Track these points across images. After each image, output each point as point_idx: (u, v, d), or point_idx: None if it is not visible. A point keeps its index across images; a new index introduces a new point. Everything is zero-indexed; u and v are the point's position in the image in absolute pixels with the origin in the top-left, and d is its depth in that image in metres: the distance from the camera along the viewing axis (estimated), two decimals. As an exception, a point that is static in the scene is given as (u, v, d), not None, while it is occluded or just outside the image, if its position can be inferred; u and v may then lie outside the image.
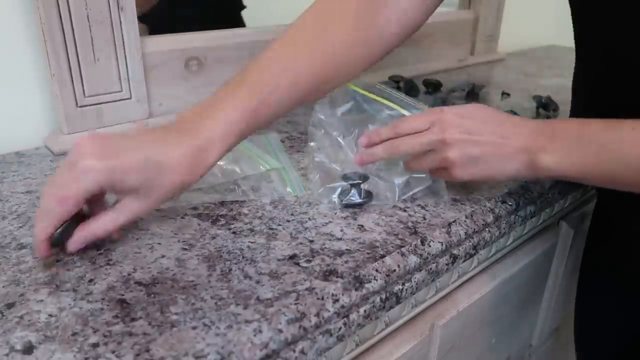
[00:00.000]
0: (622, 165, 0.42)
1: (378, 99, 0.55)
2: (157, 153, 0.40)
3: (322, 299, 0.37)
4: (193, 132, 0.42)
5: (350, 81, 0.55)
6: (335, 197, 0.51)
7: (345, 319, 0.39)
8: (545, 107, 0.80)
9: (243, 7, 0.94)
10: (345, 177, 0.51)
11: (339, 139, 0.54)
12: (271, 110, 0.46)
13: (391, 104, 0.54)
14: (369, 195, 0.51)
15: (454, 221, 0.49)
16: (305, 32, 0.51)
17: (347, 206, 0.51)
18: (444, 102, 0.84)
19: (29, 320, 0.34)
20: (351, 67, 0.52)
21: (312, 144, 0.55)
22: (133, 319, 0.35)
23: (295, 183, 0.55)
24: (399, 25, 0.54)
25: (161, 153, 0.40)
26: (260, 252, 0.42)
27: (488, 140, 0.46)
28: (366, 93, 0.55)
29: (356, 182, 0.51)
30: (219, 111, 0.43)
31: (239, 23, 0.92)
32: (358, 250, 0.43)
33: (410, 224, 0.48)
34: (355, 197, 0.50)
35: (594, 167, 0.44)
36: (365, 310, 0.40)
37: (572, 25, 0.54)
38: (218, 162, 0.47)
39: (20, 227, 0.46)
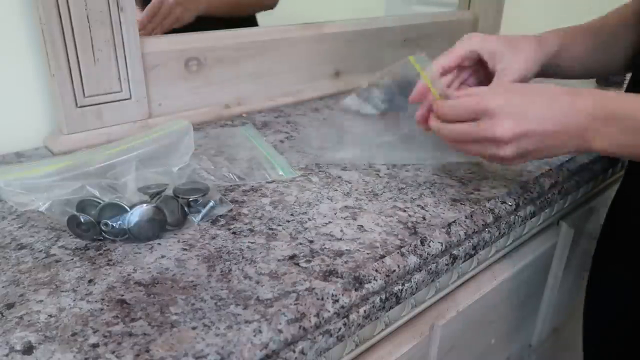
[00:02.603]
0: None
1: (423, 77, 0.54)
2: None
3: (322, 299, 0.37)
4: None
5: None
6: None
7: (345, 319, 0.39)
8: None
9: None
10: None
11: None
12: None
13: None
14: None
15: (453, 221, 0.49)
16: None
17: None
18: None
19: (28, 321, 0.34)
20: None
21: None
22: (133, 319, 0.35)
23: (284, 166, 0.57)
24: None
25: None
26: (260, 253, 0.42)
27: (543, 130, 0.44)
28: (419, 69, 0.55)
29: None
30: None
31: (253, 23, 0.92)
32: (358, 250, 0.43)
33: (410, 224, 0.48)
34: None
35: None
36: (365, 311, 0.40)
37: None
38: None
39: (20, 227, 0.46)
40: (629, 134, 0.43)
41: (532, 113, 0.44)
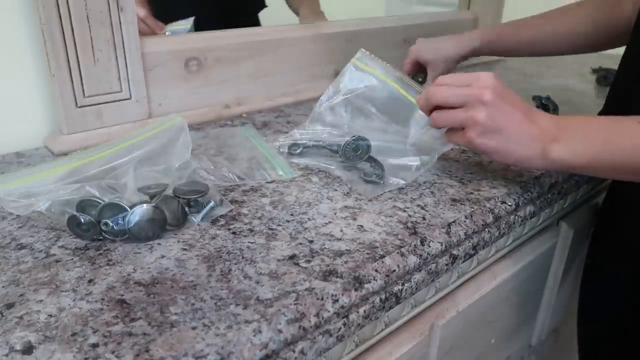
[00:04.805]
0: (628, 154, 0.44)
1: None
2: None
3: (322, 299, 0.37)
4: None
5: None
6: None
7: (344, 319, 0.39)
8: (545, 108, 0.80)
9: (263, 7, 0.94)
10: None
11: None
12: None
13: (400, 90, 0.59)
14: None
15: (453, 221, 0.49)
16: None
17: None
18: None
19: (28, 321, 0.34)
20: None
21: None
22: (133, 319, 0.35)
23: (284, 166, 0.57)
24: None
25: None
26: (260, 253, 0.42)
27: (516, 114, 0.47)
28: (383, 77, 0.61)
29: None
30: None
31: (255, 23, 0.92)
32: (358, 250, 0.43)
33: (410, 224, 0.48)
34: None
35: (601, 157, 0.45)
36: (364, 311, 0.40)
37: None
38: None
39: (20, 227, 0.46)
40: (585, 141, 0.46)
41: (512, 94, 0.49)
